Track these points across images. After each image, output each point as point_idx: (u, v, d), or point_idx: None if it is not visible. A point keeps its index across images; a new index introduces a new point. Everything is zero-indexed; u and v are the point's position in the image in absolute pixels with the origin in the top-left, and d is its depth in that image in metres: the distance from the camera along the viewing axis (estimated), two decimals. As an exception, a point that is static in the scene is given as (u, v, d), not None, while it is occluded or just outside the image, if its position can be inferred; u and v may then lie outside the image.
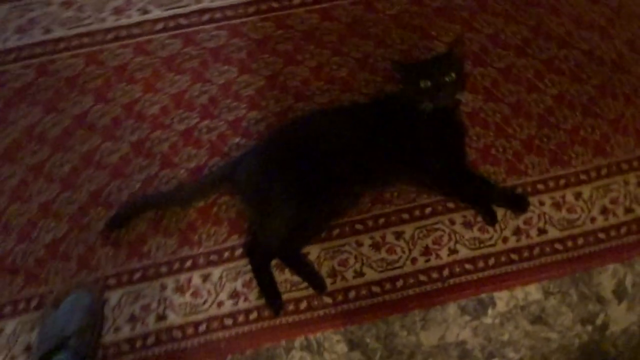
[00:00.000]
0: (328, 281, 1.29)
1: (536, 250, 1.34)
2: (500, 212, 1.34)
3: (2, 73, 1.34)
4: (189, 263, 1.29)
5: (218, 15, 1.40)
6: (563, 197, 1.38)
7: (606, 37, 1.45)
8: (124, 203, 1.30)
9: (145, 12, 1.38)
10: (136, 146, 1.34)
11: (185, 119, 1.35)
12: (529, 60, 1.43)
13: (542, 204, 1.37)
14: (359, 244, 1.32)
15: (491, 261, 1.33)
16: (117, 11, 1.38)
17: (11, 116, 1.33)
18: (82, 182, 1.32)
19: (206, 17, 1.40)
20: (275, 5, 1.42)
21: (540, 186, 1.38)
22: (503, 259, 1.33)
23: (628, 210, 1.37)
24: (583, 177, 1.39)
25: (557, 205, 1.37)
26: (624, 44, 1.45)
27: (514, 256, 1.33)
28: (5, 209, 1.30)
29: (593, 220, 1.36)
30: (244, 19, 1.40)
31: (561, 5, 1.45)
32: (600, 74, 1.43)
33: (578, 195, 1.38)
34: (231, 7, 1.41)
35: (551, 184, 1.38)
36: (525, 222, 1.35)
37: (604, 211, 1.36)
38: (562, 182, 1.39)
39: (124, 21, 1.37)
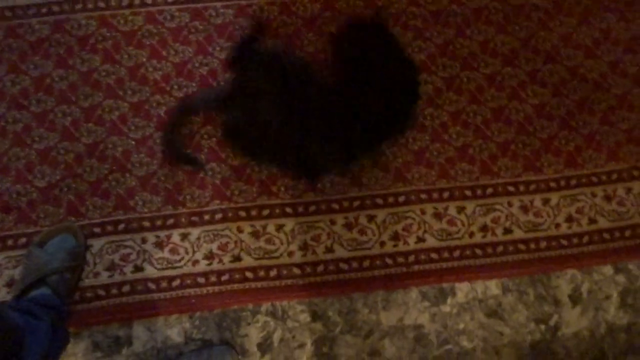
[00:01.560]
0: (299, 254, 1.37)
1: (500, 248, 1.41)
2: (470, 208, 1.42)
3: (21, 26, 1.43)
4: (171, 221, 1.37)
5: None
6: (531, 201, 1.45)
7: (591, 57, 1.52)
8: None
9: (160, -17, 1.47)
10: (135, 107, 1.42)
11: (184, 87, 1.44)
12: (514, 70, 1.50)
13: (510, 205, 1.44)
14: (333, 222, 1.40)
15: (456, 253, 1.40)
16: (134, -19, 1.47)
17: (24, 66, 1.42)
18: (80, 134, 1.40)
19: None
20: (281, -8, 1.51)
21: (510, 188, 1.45)
22: (467, 252, 1.40)
23: (592, 221, 1.44)
24: (553, 184, 1.46)
25: (524, 208, 1.44)
26: (607, 65, 1.53)
27: (478, 251, 1.40)
28: (7, 151, 1.38)
29: (557, 226, 1.43)
30: (251, 1, 1.49)
31: (552, 22, 1.53)
32: (581, 90, 1.50)
33: (546, 202, 1.45)
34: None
35: (521, 187, 1.45)
36: (492, 220, 1.42)
37: (569, 219, 1.43)
38: (532, 187, 1.46)
39: (138, -10, 1.47)
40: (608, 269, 1.42)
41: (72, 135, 1.40)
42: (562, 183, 1.46)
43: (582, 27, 1.53)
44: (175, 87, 1.44)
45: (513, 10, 1.53)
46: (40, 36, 1.43)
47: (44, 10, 1.44)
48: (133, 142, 1.41)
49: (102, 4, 1.46)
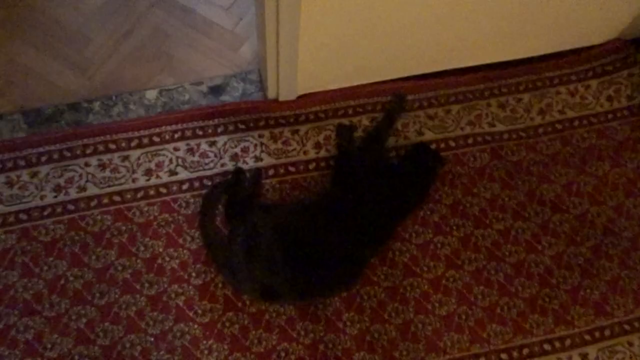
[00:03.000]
0: None
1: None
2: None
3: (35, 227, 1.42)
4: None
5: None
6: (570, 357, 1.40)
7: (595, 203, 1.57)
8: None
9: (174, 173, 1.51)
10: (153, 300, 1.38)
11: (202, 273, 1.41)
12: (526, 223, 1.53)
13: (550, 365, 1.39)
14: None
15: None
16: (148, 172, 1.50)
17: (37, 269, 1.39)
18: (96, 336, 1.34)
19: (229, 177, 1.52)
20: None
21: (546, 346, 1.40)
22: None
23: (636, 374, 1.38)
24: (587, 337, 1.42)
25: (565, 367, 1.39)
26: (612, 209, 1.57)
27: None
28: (17, 364, 1.30)
29: (602, 383, 1.37)
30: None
31: (551, 173, 1.59)
32: (593, 237, 1.53)
33: (584, 356, 1.40)
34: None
35: (557, 344, 1.41)
36: (535, 385, 1.36)
37: (612, 374, 1.38)
38: (567, 342, 1.41)
39: (153, 181, 1.49)
40: None
41: (87, 338, 1.33)
42: (597, 335, 1.42)
43: (581, 176, 1.60)
44: (194, 274, 1.41)
45: (513, 166, 1.60)
46: (54, 236, 1.42)
47: (59, 210, 1.45)
48: (152, 339, 1.34)
49: (117, 198, 1.47)
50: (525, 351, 1.39)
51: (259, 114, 1.59)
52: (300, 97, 1.62)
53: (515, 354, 1.39)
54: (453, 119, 1.64)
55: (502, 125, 1.65)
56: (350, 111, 1.62)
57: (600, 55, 1.74)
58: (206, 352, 1.34)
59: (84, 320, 1.35)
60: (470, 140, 1.62)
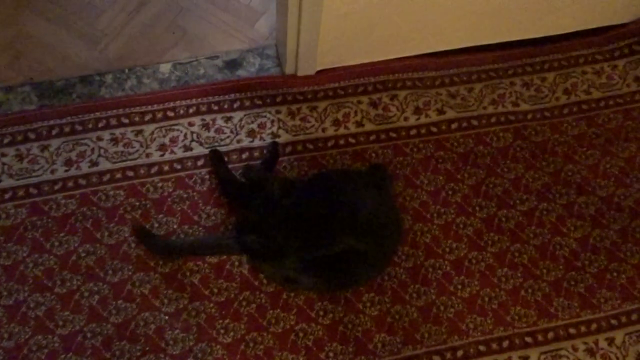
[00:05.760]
0: None
1: (574, 400, 1.29)
2: (534, 356, 1.32)
3: (46, 202, 1.38)
4: None
5: (256, 154, 1.48)
6: (596, 342, 1.36)
7: (621, 185, 1.53)
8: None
9: (189, 149, 1.46)
10: (167, 278, 1.34)
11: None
12: (551, 205, 1.49)
13: (575, 349, 1.34)
14: None
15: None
16: (162, 147, 1.46)
17: (48, 245, 1.34)
18: (109, 314, 1.30)
19: (245, 154, 1.48)
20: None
21: (572, 330, 1.36)
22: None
23: (664, 359, 1.34)
24: (614, 322, 1.38)
25: (590, 352, 1.34)
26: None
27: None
28: (27, 341, 1.26)
29: (629, 368, 1.33)
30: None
31: (576, 155, 1.55)
32: (620, 219, 1.49)
33: (611, 341, 1.36)
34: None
35: (583, 328, 1.37)
36: (560, 369, 1.32)
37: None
38: (593, 326, 1.37)
39: (167, 157, 1.45)
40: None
41: (100, 315, 1.29)
42: (624, 319, 1.38)
43: (607, 158, 1.56)
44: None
45: (537, 146, 1.55)
46: (65, 211, 1.38)
47: (70, 184, 1.40)
48: (166, 317, 1.30)
49: (130, 173, 1.42)
50: (550, 335, 1.35)
51: (276, 90, 1.54)
52: (319, 72, 1.57)
53: (540, 337, 1.35)
54: (476, 97, 1.59)
55: (526, 104, 1.60)
56: (370, 88, 1.57)
57: (628, 35, 1.69)
58: (222, 331, 1.30)
59: (97, 297, 1.31)
60: (493, 120, 1.57)
